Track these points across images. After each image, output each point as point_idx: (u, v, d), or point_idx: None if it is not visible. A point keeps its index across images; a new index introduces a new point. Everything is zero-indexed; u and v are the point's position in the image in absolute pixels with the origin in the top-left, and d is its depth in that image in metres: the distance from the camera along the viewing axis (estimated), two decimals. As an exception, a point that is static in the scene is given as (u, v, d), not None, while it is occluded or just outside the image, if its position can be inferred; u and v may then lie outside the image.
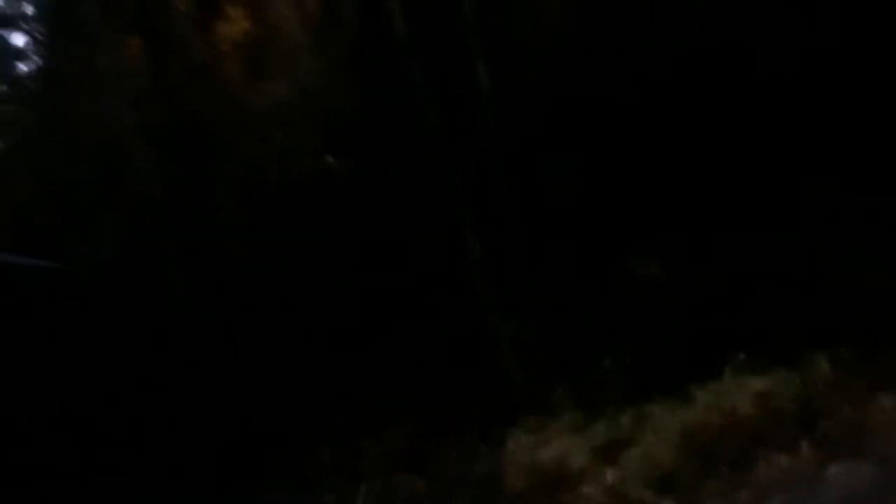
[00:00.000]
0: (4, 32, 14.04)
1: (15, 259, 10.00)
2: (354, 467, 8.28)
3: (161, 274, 10.90)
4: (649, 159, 8.37)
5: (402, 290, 9.32)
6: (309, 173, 10.71)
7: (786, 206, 7.78)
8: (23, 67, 14.24)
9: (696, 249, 8.00)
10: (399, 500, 7.73)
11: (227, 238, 11.01)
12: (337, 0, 10.82)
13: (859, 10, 7.88)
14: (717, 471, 6.05)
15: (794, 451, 5.79)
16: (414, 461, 8.08)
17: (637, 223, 8.30)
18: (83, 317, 9.62)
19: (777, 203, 7.83)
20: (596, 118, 8.69)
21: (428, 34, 9.46)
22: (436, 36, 9.51)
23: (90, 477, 8.14)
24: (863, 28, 7.91)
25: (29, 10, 13.96)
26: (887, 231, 7.55)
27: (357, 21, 10.50)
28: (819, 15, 8.04)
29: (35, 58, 13.95)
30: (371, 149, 10.30)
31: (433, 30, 9.52)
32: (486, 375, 8.60)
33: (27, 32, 13.96)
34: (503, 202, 9.41)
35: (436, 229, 9.45)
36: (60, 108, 12.30)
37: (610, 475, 6.56)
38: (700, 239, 7.96)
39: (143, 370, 9.52)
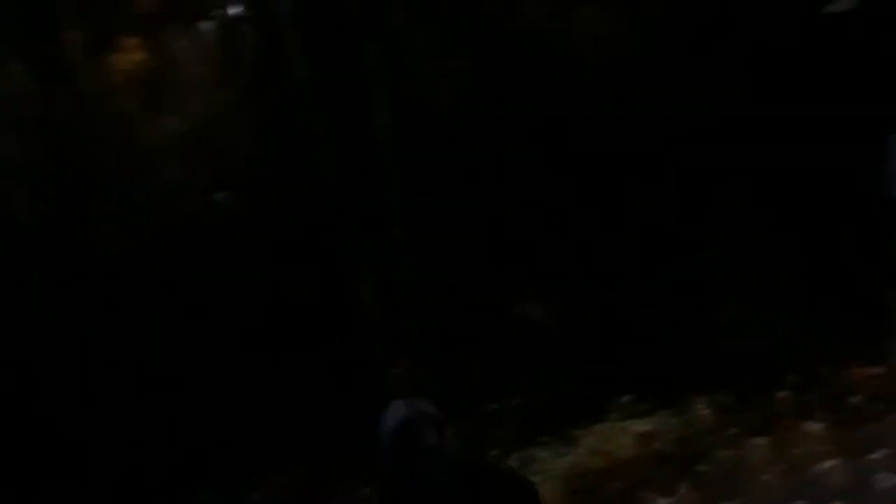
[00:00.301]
0: None
1: None
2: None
3: (34, 313, 10.43)
4: (541, 203, 8.48)
5: (290, 333, 9.15)
6: (199, 210, 10.47)
7: (673, 253, 7.97)
8: None
9: (584, 294, 8.11)
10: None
11: (108, 276, 10.63)
12: (237, 35, 10.70)
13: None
14: (599, 513, 6.08)
15: (673, 491, 5.86)
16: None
17: (526, 267, 8.38)
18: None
19: (664, 250, 8.02)
20: (496, 160, 8.79)
21: (329, 73, 9.46)
22: (337, 75, 9.50)
23: None
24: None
25: None
26: (766, 285, 7.83)
27: (257, 57, 10.41)
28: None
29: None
30: (267, 187, 10.17)
31: (335, 69, 9.52)
32: (375, 418, 8.46)
33: None
34: (399, 244, 9.39)
35: (328, 272, 9.35)
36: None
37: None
38: (587, 284, 8.08)
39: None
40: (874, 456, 5.47)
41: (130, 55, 10.88)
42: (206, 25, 10.81)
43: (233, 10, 10.70)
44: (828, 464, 5.31)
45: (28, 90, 10.83)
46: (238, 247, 10.08)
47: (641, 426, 6.50)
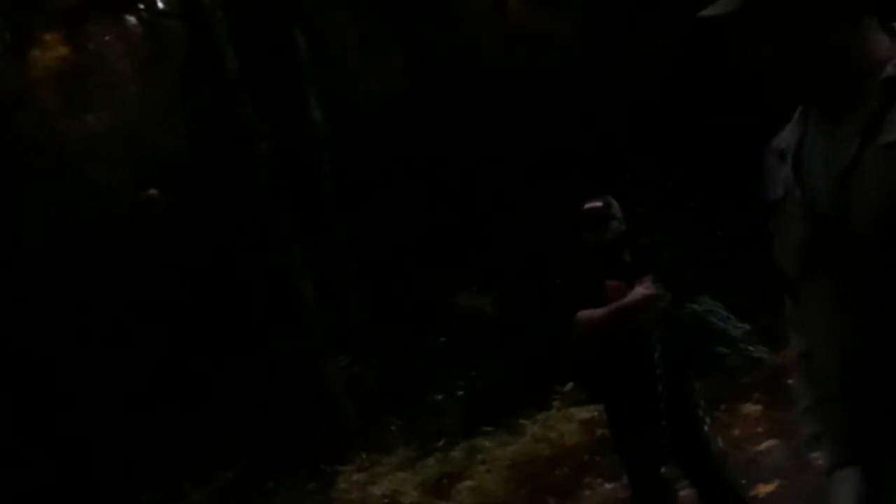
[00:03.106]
0: None
1: None
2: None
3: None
4: (479, 198, 8.56)
5: (231, 327, 9.08)
6: (127, 209, 10.29)
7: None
8: None
9: (524, 286, 8.23)
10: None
11: (36, 275, 10.37)
12: (165, 31, 10.51)
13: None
14: (544, 499, 6.18)
15: (617, 477, 6.00)
16: (241, 502, 7.84)
17: (467, 260, 8.45)
18: None
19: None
20: (428, 156, 8.82)
21: (260, 68, 9.36)
22: (268, 71, 9.42)
23: None
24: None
25: None
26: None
27: (186, 53, 10.24)
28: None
29: None
30: (199, 183, 10.03)
31: (265, 64, 9.42)
32: (318, 413, 8.48)
33: None
34: (335, 238, 9.38)
35: (267, 266, 9.28)
36: None
37: (442, 509, 6.58)
38: (526, 276, 8.20)
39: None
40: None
41: (52, 51, 10.60)
42: (131, 19, 10.59)
43: (160, 4, 10.51)
44: (765, 444, 5.52)
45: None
46: (169, 245, 9.94)
47: (584, 413, 6.60)
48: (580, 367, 3.73)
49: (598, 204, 3.59)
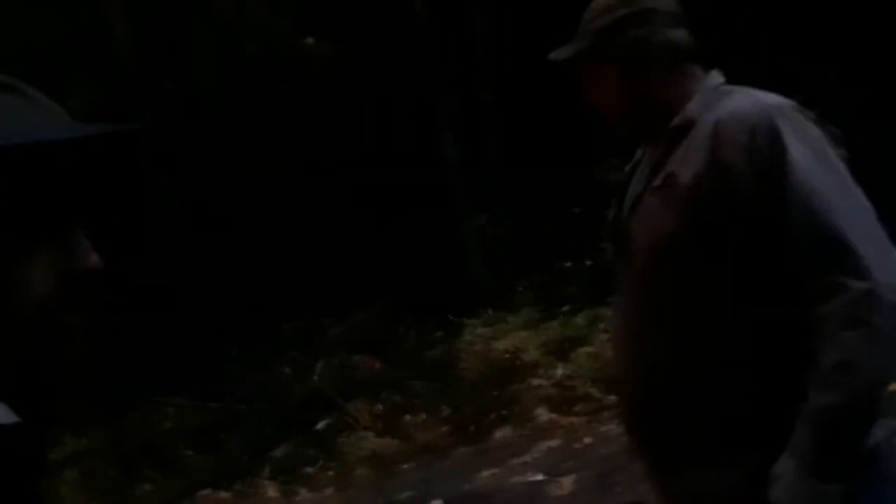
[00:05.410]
0: None
1: None
2: (314, 344, 8.55)
3: None
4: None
5: (377, 176, 9.41)
6: (286, 53, 10.62)
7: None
8: None
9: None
10: (355, 378, 8.02)
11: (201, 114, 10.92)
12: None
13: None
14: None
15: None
16: (372, 343, 8.36)
17: (610, 133, 8.41)
18: None
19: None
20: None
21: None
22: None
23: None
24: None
25: None
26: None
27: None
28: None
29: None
30: (354, 35, 10.22)
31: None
32: (451, 267, 8.83)
33: None
34: (484, 100, 9.50)
35: (413, 121, 9.53)
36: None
37: (560, 370, 6.89)
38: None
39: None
40: None
41: None
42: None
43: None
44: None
45: None
46: (320, 94, 10.26)
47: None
48: None
49: None
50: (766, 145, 1.56)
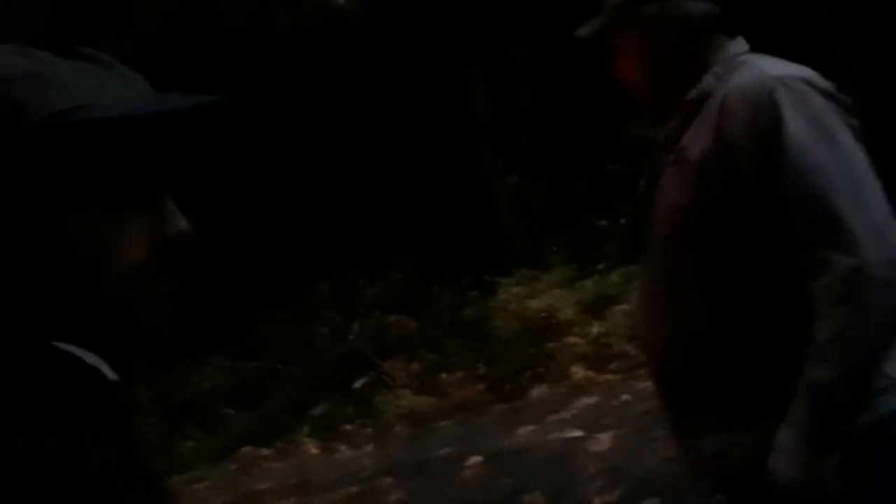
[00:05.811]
0: None
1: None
2: (350, 304, 8.64)
3: None
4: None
5: (411, 136, 9.44)
6: (317, 10, 10.61)
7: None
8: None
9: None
10: (390, 337, 8.11)
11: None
12: None
13: None
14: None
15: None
16: (408, 302, 8.44)
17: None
18: None
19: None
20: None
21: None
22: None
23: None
24: None
25: None
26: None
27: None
28: None
29: None
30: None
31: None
32: (485, 227, 8.86)
33: None
34: (516, 60, 9.45)
35: (446, 82, 9.51)
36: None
37: (595, 328, 6.92)
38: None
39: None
40: None
41: None
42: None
43: None
44: None
45: None
46: (352, 54, 10.24)
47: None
48: None
49: None
50: (766, 120, 1.56)
